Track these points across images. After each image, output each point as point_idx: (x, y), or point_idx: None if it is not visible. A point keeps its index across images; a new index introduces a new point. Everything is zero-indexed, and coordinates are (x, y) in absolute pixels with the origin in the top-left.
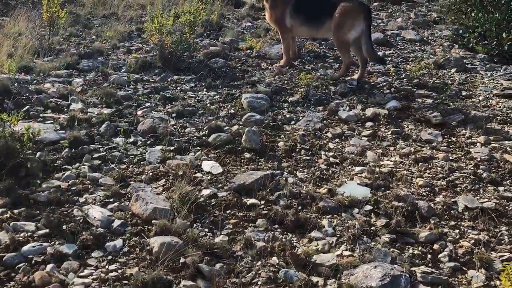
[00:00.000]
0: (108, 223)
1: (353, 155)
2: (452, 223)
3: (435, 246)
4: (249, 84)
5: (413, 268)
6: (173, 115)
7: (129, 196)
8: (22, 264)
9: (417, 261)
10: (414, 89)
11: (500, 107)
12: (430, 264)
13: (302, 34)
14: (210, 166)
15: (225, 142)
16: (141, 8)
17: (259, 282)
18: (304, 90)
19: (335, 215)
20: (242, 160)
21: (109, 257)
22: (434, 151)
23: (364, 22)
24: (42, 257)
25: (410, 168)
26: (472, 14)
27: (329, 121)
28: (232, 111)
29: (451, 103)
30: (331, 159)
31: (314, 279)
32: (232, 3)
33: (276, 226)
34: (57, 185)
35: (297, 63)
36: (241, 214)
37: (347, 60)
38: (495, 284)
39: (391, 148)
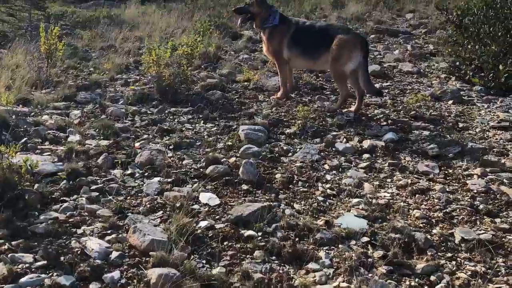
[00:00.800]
0: (106, 255)
1: (350, 187)
2: (449, 254)
3: (432, 278)
4: (246, 116)
5: None
6: (171, 147)
7: (127, 227)
8: None
9: None
10: (411, 121)
11: (496, 139)
12: None
13: (299, 66)
14: (207, 197)
15: (223, 174)
16: (139, 40)
17: None
18: (301, 122)
19: (332, 247)
20: (240, 192)
21: None
22: (431, 183)
23: (361, 54)
24: None
25: (407, 199)
26: (469, 46)
27: (326, 153)
28: (230, 143)
29: (448, 135)
30: (328, 190)
31: None
32: (229, 36)
33: (274, 257)
34: (55, 216)
35: (295, 95)
36: (239, 245)
37: (345, 92)
38: None
39: (388, 180)
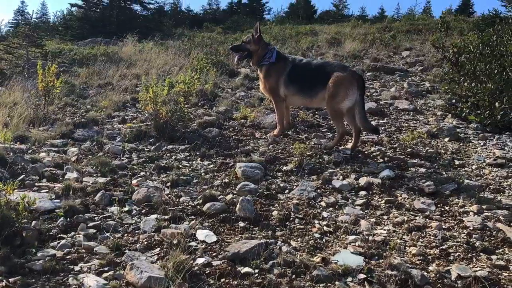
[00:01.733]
0: None
1: (346, 224)
2: None
3: None
4: (243, 153)
5: None
6: (168, 184)
7: (124, 264)
8: None
9: None
10: (408, 159)
11: (493, 176)
12: None
13: (296, 103)
14: (204, 235)
15: (220, 211)
16: (136, 77)
17: None
18: (298, 160)
19: (329, 284)
20: (237, 229)
21: None
22: (427, 220)
23: (357, 91)
24: None
25: (403, 237)
26: (465, 84)
27: (322, 190)
28: (227, 180)
29: (444, 172)
30: (325, 228)
31: None
32: (226, 73)
33: None
34: (53, 253)
35: (291, 132)
36: (235, 282)
37: (341, 129)
38: None
39: (385, 217)
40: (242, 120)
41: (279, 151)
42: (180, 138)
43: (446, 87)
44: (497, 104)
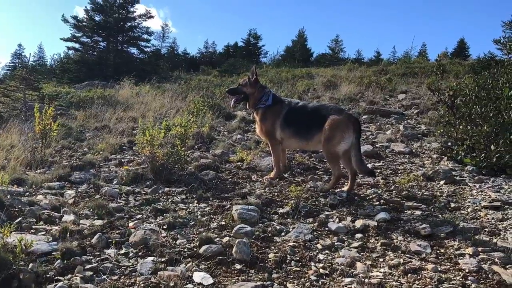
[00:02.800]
0: None
1: (342, 266)
2: None
3: None
4: (239, 196)
5: None
6: (165, 227)
7: None
8: None
9: None
10: (403, 201)
11: (488, 218)
12: None
13: (292, 146)
14: (201, 277)
15: (216, 254)
16: (133, 120)
17: None
18: (294, 202)
19: None
20: (233, 271)
21: None
22: (423, 262)
23: (353, 134)
24: None
25: (399, 279)
26: (461, 127)
27: (319, 232)
28: (223, 223)
29: (440, 215)
30: (321, 270)
31: None
32: (222, 116)
33: None
34: None
35: (288, 175)
36: None
37: (337, 172)
38: None
39: (381, 260)
40: (239, 163)
41: (276, 193)
42: (176, 180)
43: (441, 130)
44: (492, 147)
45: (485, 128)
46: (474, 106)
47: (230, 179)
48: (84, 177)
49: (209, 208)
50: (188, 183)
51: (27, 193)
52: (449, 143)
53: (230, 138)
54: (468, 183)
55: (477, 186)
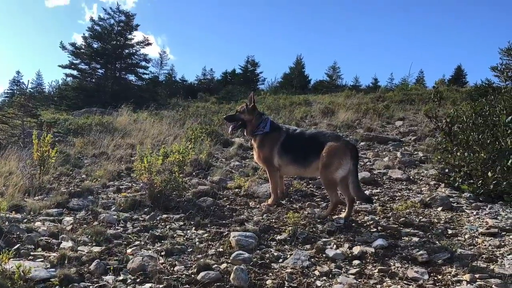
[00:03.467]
0: None
1: None
2: None
3: None
4: (237, 222)
5: None
6: (162, 253)
7: None
8: None
9: None
10: (401, 228)
11: (485, 245)
12: None
13: (290, 173)
14: None
15: (214, 280)
16: (131, 147)
17: None
18: (292, 229)
19: None
20: None
21: None
22: None
23: (351, 161)
24: None
25: None
26: (458, 154)
27: (316, 259)
28: (221, 250)
29: (437, 242)
30: None
31: None
32: (221, 143)
33: None
34: None
35: (285, 201)
36: None
37: (334, 198)
38: None
39: (378, 286)
40: (236, 190)
41: (273, 220)
42: (174, 207)
43: (439, 157)
44: (489, 174)
45: (482, 155)
46: (471, 133)
47: (228, 206)
48: (82, 204)
49: (206, 234)
50: (186, 210)
51: (25, 220)
52: (447, 170)
53: (227, 164)
54: (466, 210)
55: (475, 213)
